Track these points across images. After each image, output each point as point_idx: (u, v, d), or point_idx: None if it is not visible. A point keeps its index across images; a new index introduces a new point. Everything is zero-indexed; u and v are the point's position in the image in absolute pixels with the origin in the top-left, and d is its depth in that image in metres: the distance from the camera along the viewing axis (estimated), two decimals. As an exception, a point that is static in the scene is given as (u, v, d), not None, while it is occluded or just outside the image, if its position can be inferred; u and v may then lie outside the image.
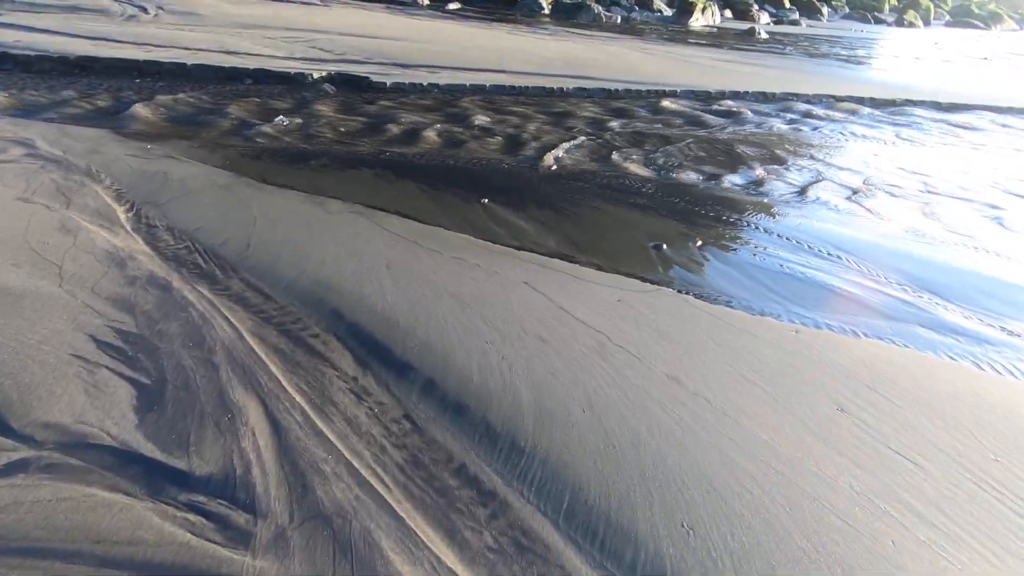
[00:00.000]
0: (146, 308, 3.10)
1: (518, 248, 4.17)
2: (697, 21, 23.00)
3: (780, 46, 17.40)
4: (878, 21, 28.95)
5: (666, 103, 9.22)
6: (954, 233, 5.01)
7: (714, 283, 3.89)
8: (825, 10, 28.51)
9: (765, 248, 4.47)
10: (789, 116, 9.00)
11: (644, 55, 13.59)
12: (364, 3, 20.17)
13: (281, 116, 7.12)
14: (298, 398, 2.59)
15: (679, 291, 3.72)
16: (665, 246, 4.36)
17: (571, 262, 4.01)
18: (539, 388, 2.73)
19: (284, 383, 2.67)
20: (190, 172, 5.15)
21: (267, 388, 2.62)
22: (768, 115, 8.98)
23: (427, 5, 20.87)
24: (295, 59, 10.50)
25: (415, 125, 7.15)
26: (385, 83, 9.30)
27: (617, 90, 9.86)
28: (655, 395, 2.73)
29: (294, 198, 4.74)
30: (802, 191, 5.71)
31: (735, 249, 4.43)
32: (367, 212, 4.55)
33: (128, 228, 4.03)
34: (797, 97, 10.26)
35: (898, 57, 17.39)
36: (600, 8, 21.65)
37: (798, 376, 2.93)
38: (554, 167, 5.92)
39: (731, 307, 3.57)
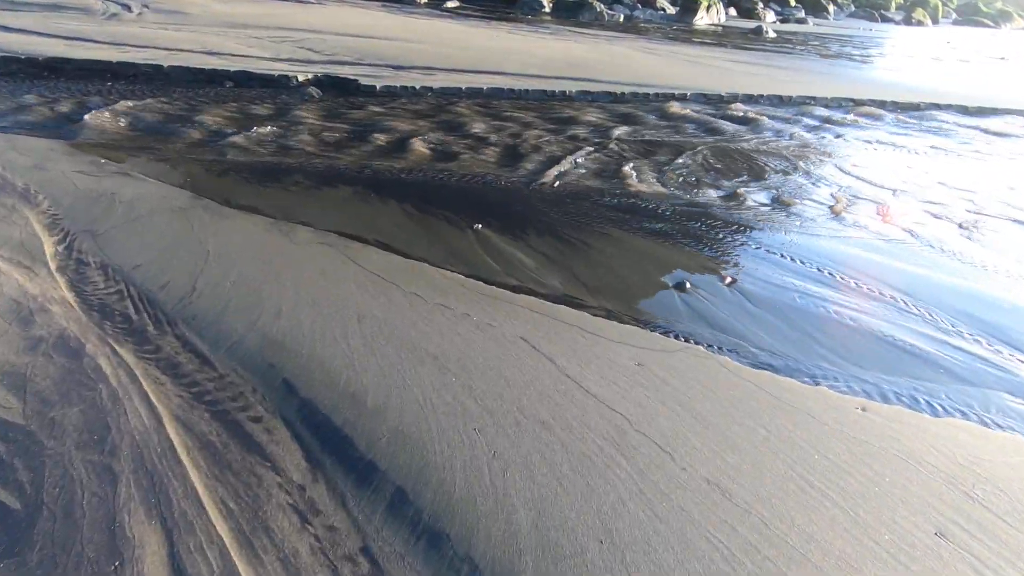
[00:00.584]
0: (42, 386, 2.43)
1: (515, 290, 3.49)
2: (701, 19, 22.25)
3: (789, 45, 16.68)
4: (885, 19, 28.19)
5: (675, 108, 8.53)
6: (1020, 263, 4.33)
7: (752, 335, 3.21)
8: (831, 8, 27.74)
9: (804, 286, 3.79)
10: (808, 122, 8.30)
11: (649, 55, 12.88)
12: (361, 1, 19.45)
13: (255, 128, 6.44)
14: (219, 527, 1.92)
15: (711, 349, 3.04)
16: (689, 284, 3.69)
17: (578, 307, 3.34)
18: (541, 505, 2.06)
19: (204, 501, 2.00)
20: (143, 192, 4.47)
21: (178, 512, 1.95)
22: (786, 121, 8.29)
23: (425, 3, 20.15)
24: (281, 60, 9.82)
25: (404, 134, 6.47)
26: (375, 86, 8.62)
27: (623, 93, 9.17)
28: (695, 513, 2.06)
29: (257, 225, 4.06)
30: (836, 212, 5.02)
31: (770, 288, 3.76)
32: (340, 243, 3.88)
33: (52, 267, 3.36)
34: (814, 101, 9.56)
35: (913, 57, 16.67)
36: (602, 6, 20.91)
37: (876, 481, 2.26)
38: (556, 184, 5.23)
39: (777, 372, 2.89)
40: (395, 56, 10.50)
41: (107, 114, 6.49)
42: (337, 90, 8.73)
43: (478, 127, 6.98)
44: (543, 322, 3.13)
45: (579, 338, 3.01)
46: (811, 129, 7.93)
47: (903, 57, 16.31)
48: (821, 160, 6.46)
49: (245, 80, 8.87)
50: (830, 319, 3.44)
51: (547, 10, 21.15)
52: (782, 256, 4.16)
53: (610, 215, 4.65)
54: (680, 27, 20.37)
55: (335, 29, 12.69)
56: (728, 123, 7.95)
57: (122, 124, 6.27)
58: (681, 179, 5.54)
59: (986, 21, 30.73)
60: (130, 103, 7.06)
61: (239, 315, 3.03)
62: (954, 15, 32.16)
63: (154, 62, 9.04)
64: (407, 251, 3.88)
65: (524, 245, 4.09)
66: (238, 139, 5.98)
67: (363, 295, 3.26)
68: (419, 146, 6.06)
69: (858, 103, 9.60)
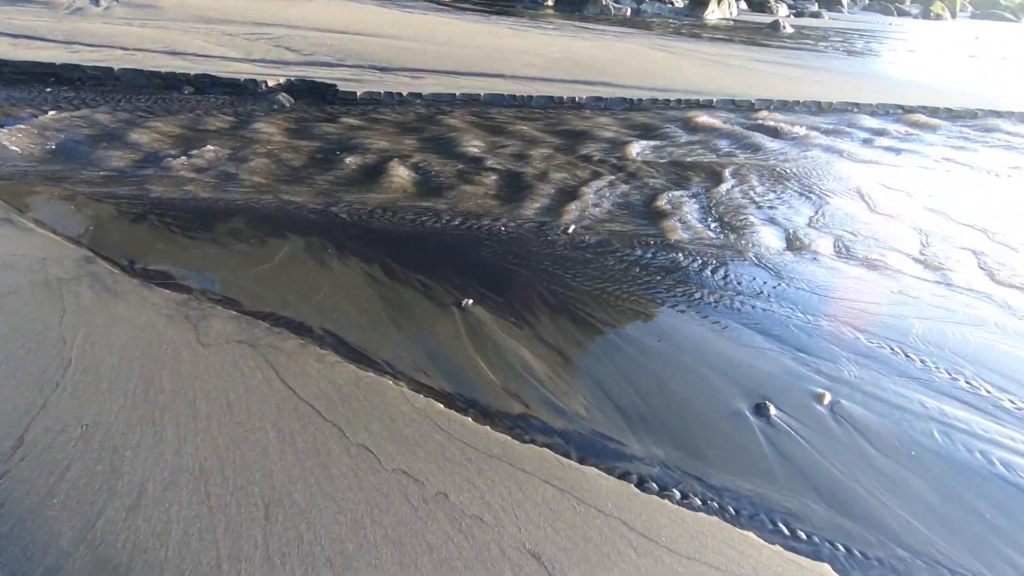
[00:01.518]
0: None
1: (519, 435, 2.29)
2: (713, 14, 20.89)
3: (811, 42, 15.38)
4: (901, 13, 26.79)
5: (702, 118, 7.30)
6: None
7: (893, 524, 2.02)
8: (845, 1, 26.35)
9: (940, 409, 2.60)
10: (858, 134, 7.07)
11: (663, 54, 11.61)
12: (352, -6, 18.11)
13: (202, 148, 5.21)
14: None
15: (844, 570, 1.85)
16: (771, 407, 2.50)
17: (618, 467, 2.15)
18: None
19: None
20: (16, 252, 3.27)
21: None
22: (832, 133, 7.05)
23: (420, -4, 18.80)
24: (252, 61, 8.58)
25: (382, 155, 5.25)
26: (355, 93, 7.39)
27: (640, 100, 7.93)
28: None
29: (157, 309, 2.86)
30: (936, 269, 3.82)
31: (891, 412, 2.56)
32: (268, 340, 2.67)
33: None
34: (858, 108, 8.32)
35: (944, 54, 15.37)
36: (608, 0, 19.58)
37: None
38: (572, 230, 4.02)
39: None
40: (382, 56, 9.25)
41: (20, 131, 5.27)
42: (311, 97, 7.51)
43: (473, 145, 5.76)
44: (565, 511, 1.93)
45: (628, 547, 1.82)
46: (864, 143, 6.70)
47: (935, 54, 15.01)
48: (888, 189, 5.23)
49: (207, 85, 7.65)
50: (997, 479, 2.24)
51: (550, 4, 19.82)
52: (890, 350, 2.96)
53: (646, 279, 3.44)
54: (690, 22, 19.05)
55: (319, 25, 11.43)
56: (766, 137, 6.72)
57: (34, 145, 5.06)
58: (728, 219, 4.32)
59: (1006, 15, 29.32)
60: (57, 115, 5.84)
61: (75, 502, 1.84)
62: (970, 8, 30.74)
63: (105, 64, 7.82)
64: (365, 350, 2.69)
65: (531, 335, 2.89)
66: (175, 164, 4.77)
67: (283, 455, 2.06)
68: (399, 173, 4.84)
69: (907, 110, 8.36)
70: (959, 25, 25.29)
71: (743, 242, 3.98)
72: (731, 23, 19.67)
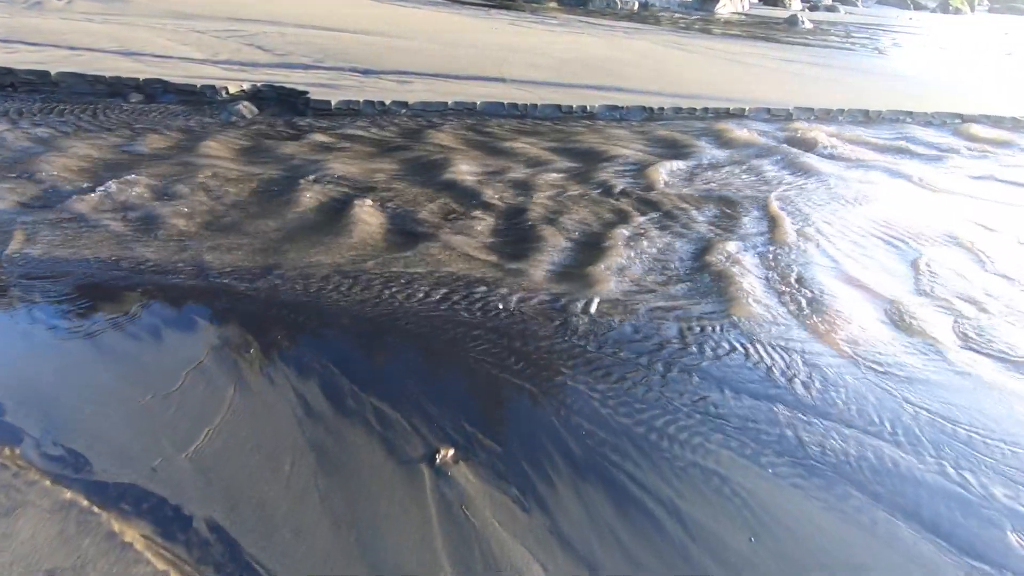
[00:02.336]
0: None
1: None
2: (724, 8, 19.62)
3: (835, 39, 14.17)
4: (918, 7, 25.47)
5: (736, 131, 6.16)
6: None
7: None
8: (858, -5, 25.01)
9: None
10: (921, 151, 5.93)
11: (680, 53, 10.42)
12: (343, -13, 16.88)
13: (124, 178, 4.06)
14: None
15: None
16: None
17: None
18: None
19: None
20: None
21: None
22: (891, 151, 5.92)
23: (416, -10, 17.56)
24: (216, 63, 7.44)
25: (349, 187, 4.13)
26: (329, 102, 6.25)
27: (661, 109, 6.79)
28: None
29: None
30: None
31: None
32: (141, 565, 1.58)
33: None
34: (911, 117, 7.18)
35: (978, 51, 14.17)
36: (614, -7, 18.32)
37: None
38: (596, 305, 2.90)
39: None
40: (366, 57, 8.09)
41: None
42: (279, 106, 6.37)
43: (465, 171, 4.63)
44: None
45: None
46: (934, 164, 5.57)
47: (968, 52, 13.80)
48: (992, 232, 4.10)
49: (158, 92, 6.51)
50: None
51: (553, -3, 18.55)
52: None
53: (714, 404, 2.33)
54: (701, 16, 17.83)
55: (300, 20, 10.25)
56: (814, 156, 5.58)
57: (-96, 178, 3.94)
58: (805, 285, 3.19)
59: None
60: (-47, 136, 4.72)
61: None
62: (987, 3, 29.40)
63: (43, 67, 6.68)
64: (272, 569, 1.60)
65: (545, 529, 1.80)
66: (79, 206, 3.65)
67: None
68: (367, 217, 3.71)
69: (965, 119, 7.22)
70: (980, 20, 24.00)
71: (836, 326, 2.85)
72: (744, 18, 18.44)
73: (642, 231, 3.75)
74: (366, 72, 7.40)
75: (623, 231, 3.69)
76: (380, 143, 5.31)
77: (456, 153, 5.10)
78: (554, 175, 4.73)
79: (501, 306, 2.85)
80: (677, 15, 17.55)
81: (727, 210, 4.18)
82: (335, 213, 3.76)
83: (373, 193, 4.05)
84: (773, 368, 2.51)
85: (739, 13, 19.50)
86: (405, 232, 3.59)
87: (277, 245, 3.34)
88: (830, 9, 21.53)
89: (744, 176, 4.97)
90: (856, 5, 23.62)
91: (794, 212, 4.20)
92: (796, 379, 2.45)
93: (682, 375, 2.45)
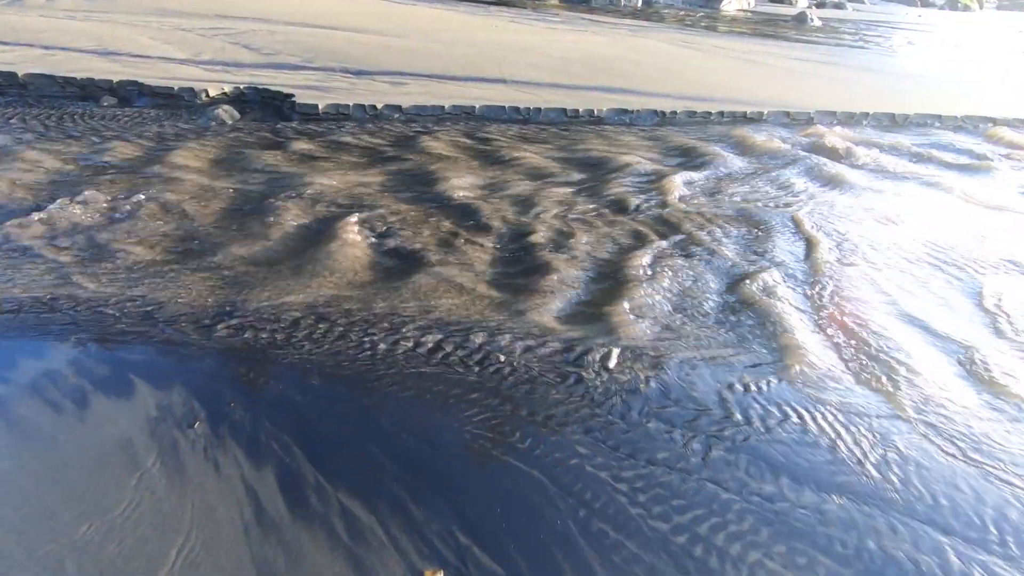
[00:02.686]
0: None
1: None
2: (730, 4, 19.08)
3: (847, 37, 13.67)
4: (926, 4, 24.93)
5: (756, 138, 5.68)
6: None
7: None
8: (864, -9, 24.45)
9: None
10: (959, 161, 5.44)
11: (689, 52, 9.92)
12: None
13: (81, 196, 3.57)
14: None
15: None
16: None
17: None
18: None
19: None
20: None
21: None
22: (926, 160, 5.43)
23: (413, -14, 17.02)
24: (199, 63, 6.95)
25: (334, 205, 3.65)
26: (316, 106, 5.76)
27: (674, 113, 6.30)
28: None
29: None
30: None
31: None
32: None
33: None
34: (940, 121, 6.69)
35: (995, 50, 13.67)
36: (617, -11, 17.79)
37: None
38: (615, 359, 2.43)
39: None
40: (359, 56, 7.59)
41: None
42: (263, 111, 5.89)
43: (462, 185, 4.15)
44: None
45: None
46: (971, 173, 5.09)
47: (985, 50, 13.30)
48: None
49: (132, 95, 6.03)
50: None
51: (554, -6, 18.01)
52: None
53: (766, 494, 1.86)
54: (707, 13, 17.30)
55: (291, 18, 9.73)
56: (842, 165, 5.10)
57: None
58: (859, 324, 2.72)
59: (1032, 6, 27.41)
60: None
61: None
62: (995, 0, 28.84)
63: (13, 67, 6.20)
64: None
65: None
66: (17, 231, 3.17)
67: None
68: (348, 241, 3.23)
69: (997, 122, 6.73)
70: (990, 17, 23.46)
71: (908, 383, 2.37)
72: (750, 15, 17.92)
73: (664, 258, 3.27)
74: (358, 73, 6.91)
75: (642, 259, 3.22)
76: (370, 152, 4.83)
77: (452, 164, 4.62)
78: (561, 189, 4.25)
79: (503, 358, 2.38)
80: (682, 12, 17.04)
81: (756, 230, 3.70)
82: (313, 238, 3.28)
83: (358, 213, 3.57)
84: (839, 445, 2.04)
85: (745, 10, 18.98)
86: (392, 261, 3.11)
87: (244, 279, 2.86)
88: (837, 6, 21.01)
89: (769, 189, 4.49)
90: (863, 2, 23.08)
91: (831, 233, 3.72)
92: (869, 462, 1.98)
93: (728, 456, 1.98)
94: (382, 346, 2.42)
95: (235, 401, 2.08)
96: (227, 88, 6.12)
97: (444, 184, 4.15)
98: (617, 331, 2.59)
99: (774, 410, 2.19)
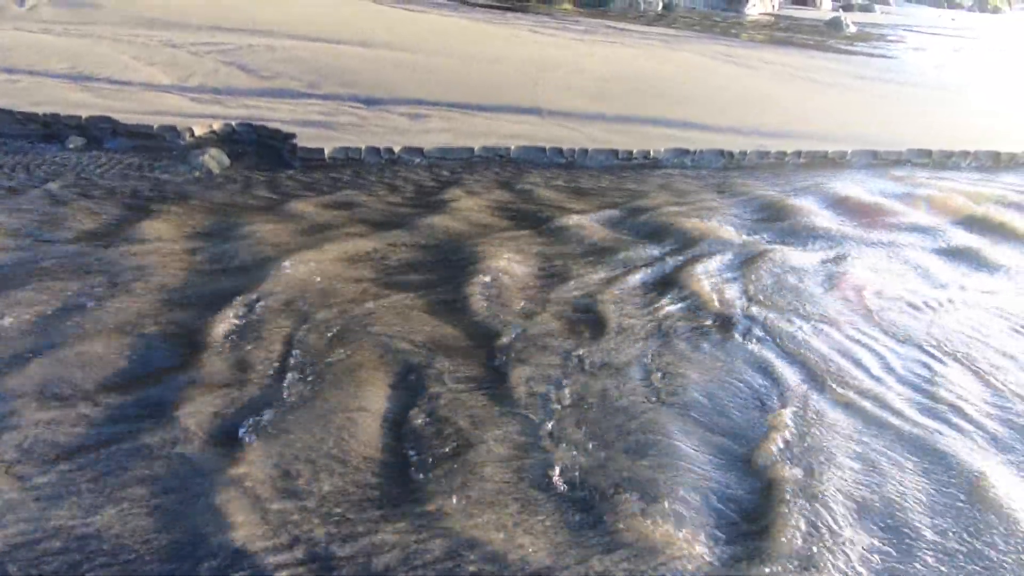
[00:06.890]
0: None
1: None
2: (754, 8, 17.79)
3: (892, 45, 12.45)
4: (952, 6, 23.54)
5: (845, 189, 4.58)
6: None
7: None
8: (889, -7, 23.08)
9: None
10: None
11: (735, 68, 8.73)
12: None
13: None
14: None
15: None
16: None
17: None
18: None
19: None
20: None
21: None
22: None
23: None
24: (186, 90, 5.88)
25: (341, 310, 2.60)
26: (322, 150, 4.70)
27: (743, 153, 5.19)
28: None
29: None
30: None
31: None
32: None
33: None
34: (1051, 161, 5.57)
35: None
36: (636, -7, 16.57)
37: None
38: None
39: None
40: (369, 79, 6.49)
41: None
42: (258, 155, 4.83)
43: (501, 277, 3.08)
44: None
45: None
46: None
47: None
48: None
49: (105, 134, 4.99)
50: None
51: (570, -2, 16.80)
52: None
53: None
54: (732, 19, 16.09)
55: (293, 29, 8.59)
56: (974, 235, 4.00)
57: None
58: None
59: (1060, 7, 25.95)
60: None
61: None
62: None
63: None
64: None
65: None
66: None
67: None
68: (370, 358, 2.18)
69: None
70: (1022, 18, 22.06)
71: None
72: (774, 19, 16.67)
73: (805, 432, 2.19)
74: (369, 102, 5.82)
75: (784, 446, 2.12)
76: (387, 215, 3.76)
77: (488, 236, 3.55)
78: (624, 279, 3.18)
79: None
80: (705, 16, 15.81)
81: (937, 368, 2.60)
82: (314, 355, 2.22)
83: (372, 321, 2.50)
84: None
85: (768, 14, 17.74)
86: (414, 448, 2.04)
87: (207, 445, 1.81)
88: (865, 9, 19.71)
89: (914, 281, 3.38)
90: (888, 3, 21.73)
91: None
92: None
93: None
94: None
95: None
96: (216, 125, 5.07)
97: (478, 273, 3.08)
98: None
99: None
